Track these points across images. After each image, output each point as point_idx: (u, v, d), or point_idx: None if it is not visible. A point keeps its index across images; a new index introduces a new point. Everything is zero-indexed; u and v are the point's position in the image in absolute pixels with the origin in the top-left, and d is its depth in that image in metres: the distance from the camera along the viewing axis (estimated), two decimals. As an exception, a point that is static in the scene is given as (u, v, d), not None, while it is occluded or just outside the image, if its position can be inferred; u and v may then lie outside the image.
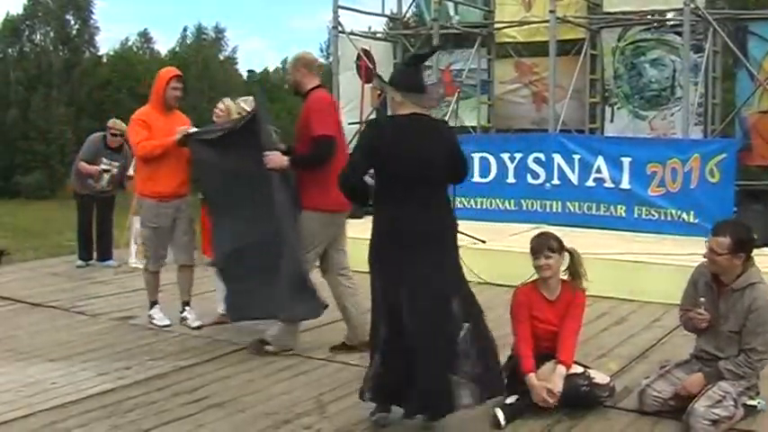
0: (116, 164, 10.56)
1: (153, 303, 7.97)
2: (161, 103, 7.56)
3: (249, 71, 48.85)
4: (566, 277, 5.63)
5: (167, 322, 7.83)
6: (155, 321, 7.87)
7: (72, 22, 39.31)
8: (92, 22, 39.91)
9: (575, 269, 5.61)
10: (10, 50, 38.16)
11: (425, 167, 5.10)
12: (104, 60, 40.97)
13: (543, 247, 5.54)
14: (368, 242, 5.23)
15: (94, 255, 10.95)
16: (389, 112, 5.70)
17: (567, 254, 5.61)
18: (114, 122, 10.71)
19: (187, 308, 7.92)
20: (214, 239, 7.45)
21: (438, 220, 5.20)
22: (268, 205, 6.68)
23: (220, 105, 9.07)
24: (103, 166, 10.49)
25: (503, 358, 5.92)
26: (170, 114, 7.61)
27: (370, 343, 5.41)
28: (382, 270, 5.19)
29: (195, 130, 7.51)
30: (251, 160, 6.75)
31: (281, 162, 6.66)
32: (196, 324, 7.77)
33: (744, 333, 5.17)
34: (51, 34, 38.48)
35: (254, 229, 6.84)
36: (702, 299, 5.34)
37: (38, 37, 38.64)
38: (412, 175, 5.08)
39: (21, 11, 38.47)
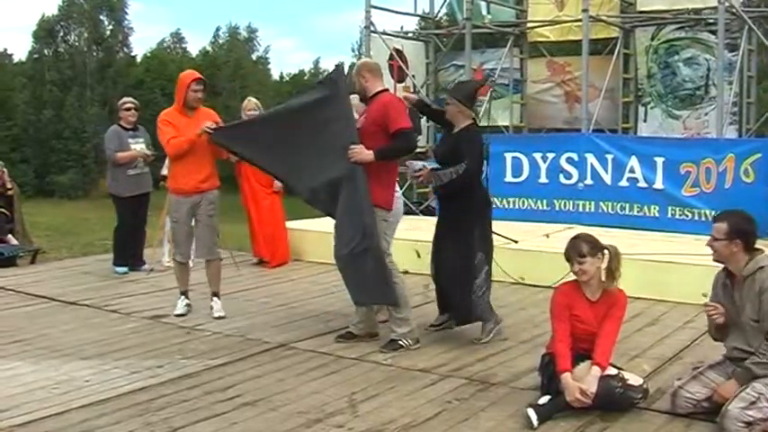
0: (141, 140, 10.48)
1: (181, 293, 8.33)
2: (183, 105, 7.96)
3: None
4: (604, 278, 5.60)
5: (181, 311, 8.20)
6: (175, 311, 8.23)
7: (106, 23, 39.50)
8: (125, 23, 40.08)
9: (610, 268, 5.57)
10: (45, 51, 38.39)
11: None
12: (138, 60, 41.14)
13: (574, 253, 5.53)
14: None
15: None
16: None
17: (606, 252, 5.56)
18: (127, 99, 10.69)
19: (215, 298, 8.20)
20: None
21: None
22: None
23: (249, 105, 9.41)
24: (146, 151, 10.43)
25: (536, 358, 5.91)
26: (194, 114, 7.96)
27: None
28: (488, 225, 7.28)
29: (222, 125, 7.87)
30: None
31: (368, 156, 6.76)
32: (218, 314, 8.05)
33: (761, 317, 5.12)
34: (85, 35, 38.62)
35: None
36: (707, 294, 5.42)
37: (72, 38, 38.85)
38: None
39: (55, 12, 38.78)
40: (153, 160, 10.43)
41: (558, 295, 5.66)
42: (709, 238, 5.31)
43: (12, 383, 6.07)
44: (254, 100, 10.12)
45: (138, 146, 10.35)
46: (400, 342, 6.94)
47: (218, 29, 45.44)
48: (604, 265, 5.57)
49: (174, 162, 8.03)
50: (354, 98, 7.25)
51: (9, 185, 12.52)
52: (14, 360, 6.68)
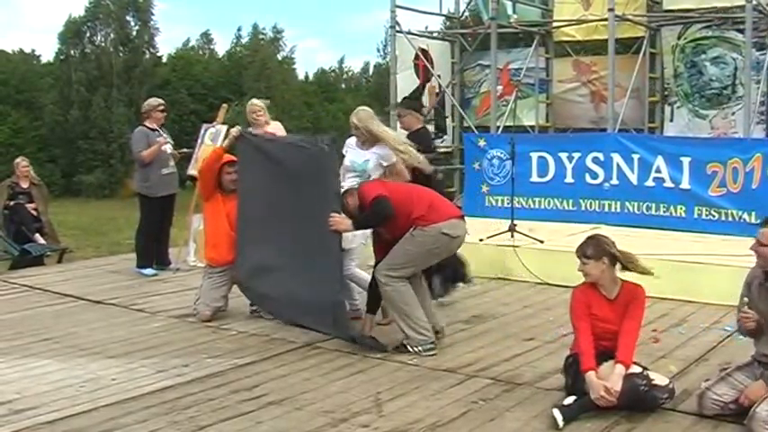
0: (166, 137, 10.53)
1: None
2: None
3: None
4: (620, 275, 5.59)
5: None
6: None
7: (132, 24, 39.64)
8: (152, 23, 40.18)
9: (626, 265, 5.58)
10: (72, 52, 38.58)
11: None
12: (164, 61, 41.25)
13: (579, 253, 5.62)
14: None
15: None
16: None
17: (614, 258, 5.55)
18: (161, 100, 10.69)
19: None
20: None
21: None
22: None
23: (256, 108, 9.38)
24: (171, 142, 10.47)
25: (562, 358, 5.90)
26: None
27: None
28: None
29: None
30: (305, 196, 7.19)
31: (346, 227, 6.85)
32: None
33: None
34: (112, 36, 38.75)
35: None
36: (746, 298, 5.27)
37: (99, 38, 39.00)
38: None
39: (82, 13, 38.96)
40: (179, 159, 10.50)
41: (577, 294, 5.68)
42: (754, 243, 5.21)
43: (40, 381, 6.11)
44: (257, 102, 9.78)
45: (174, 147, 10.46)
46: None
47: (239, 29, 45.63)
48: (618, 266, 5.57)
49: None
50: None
51: (36, 182, 12.67)
52: (42, 358, 6.72)
